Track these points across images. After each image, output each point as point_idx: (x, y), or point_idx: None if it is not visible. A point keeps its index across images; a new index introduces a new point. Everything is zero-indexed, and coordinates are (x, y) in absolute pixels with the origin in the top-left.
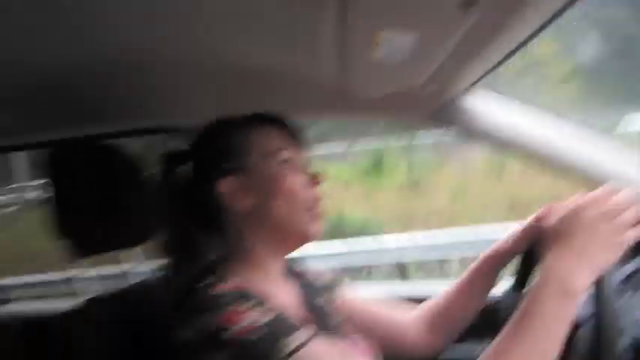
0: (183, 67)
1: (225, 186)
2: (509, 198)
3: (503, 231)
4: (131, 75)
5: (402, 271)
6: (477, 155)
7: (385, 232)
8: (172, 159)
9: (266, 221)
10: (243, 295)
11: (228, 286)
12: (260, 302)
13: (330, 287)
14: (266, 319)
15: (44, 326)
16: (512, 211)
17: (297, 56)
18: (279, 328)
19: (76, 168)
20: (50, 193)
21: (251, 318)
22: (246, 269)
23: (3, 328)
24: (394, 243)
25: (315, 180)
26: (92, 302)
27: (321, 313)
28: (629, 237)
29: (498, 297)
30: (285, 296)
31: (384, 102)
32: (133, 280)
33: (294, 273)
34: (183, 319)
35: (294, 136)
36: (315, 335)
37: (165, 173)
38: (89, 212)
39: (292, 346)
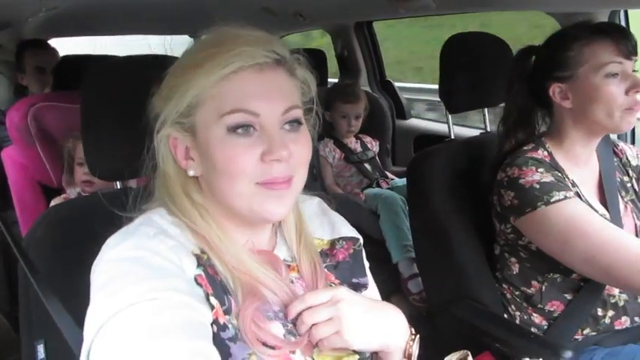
0: None
1: (554, 89)
2: None
3: None
4: None
5: None
6: None
7: None
8: (527, 51)
9: (584, 120)
10: (541, 162)
11: (537, 154)
12: (552, 169)
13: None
14: (546, 180)
15: None
16: None
17: None
18: (551, 186)
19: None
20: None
21: (536, 176)
22: (557, 148)
23: None
24: None
25: (637, 87)
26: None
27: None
28: None
29: None
30: (582, 173)
31: None
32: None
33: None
34: (501, 166)
35: (627, 46)
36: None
37: (518, 59)
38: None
39: (555, 199)
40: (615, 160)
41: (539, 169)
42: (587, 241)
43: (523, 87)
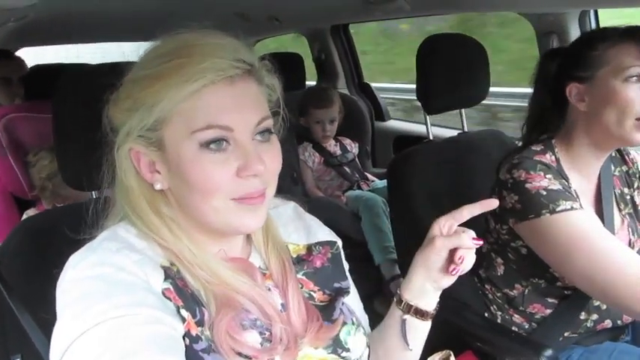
0: None
1: (571, 89)
2: None
3: None
4: None
5: None
6: None
7: None
8: (553, 52)
9: (596, 125)
10: (550, 168)
11: (545, 158)
12: (559, 177)
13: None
14: (553, 187)
15: None
16: None
17: None
18: (559, 194)
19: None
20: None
21: (544, 182)
22: (565, 153)
23: None
24: None
25: None
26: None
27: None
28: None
29: None
30: (583, 183)
31: None
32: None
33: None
34: (507, 164)
35: None
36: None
37: (543, 61)
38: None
39: (561, 208)
40: (619, 169)
41: (547, 175)
42: (588, 258)
43: (545, 89)
